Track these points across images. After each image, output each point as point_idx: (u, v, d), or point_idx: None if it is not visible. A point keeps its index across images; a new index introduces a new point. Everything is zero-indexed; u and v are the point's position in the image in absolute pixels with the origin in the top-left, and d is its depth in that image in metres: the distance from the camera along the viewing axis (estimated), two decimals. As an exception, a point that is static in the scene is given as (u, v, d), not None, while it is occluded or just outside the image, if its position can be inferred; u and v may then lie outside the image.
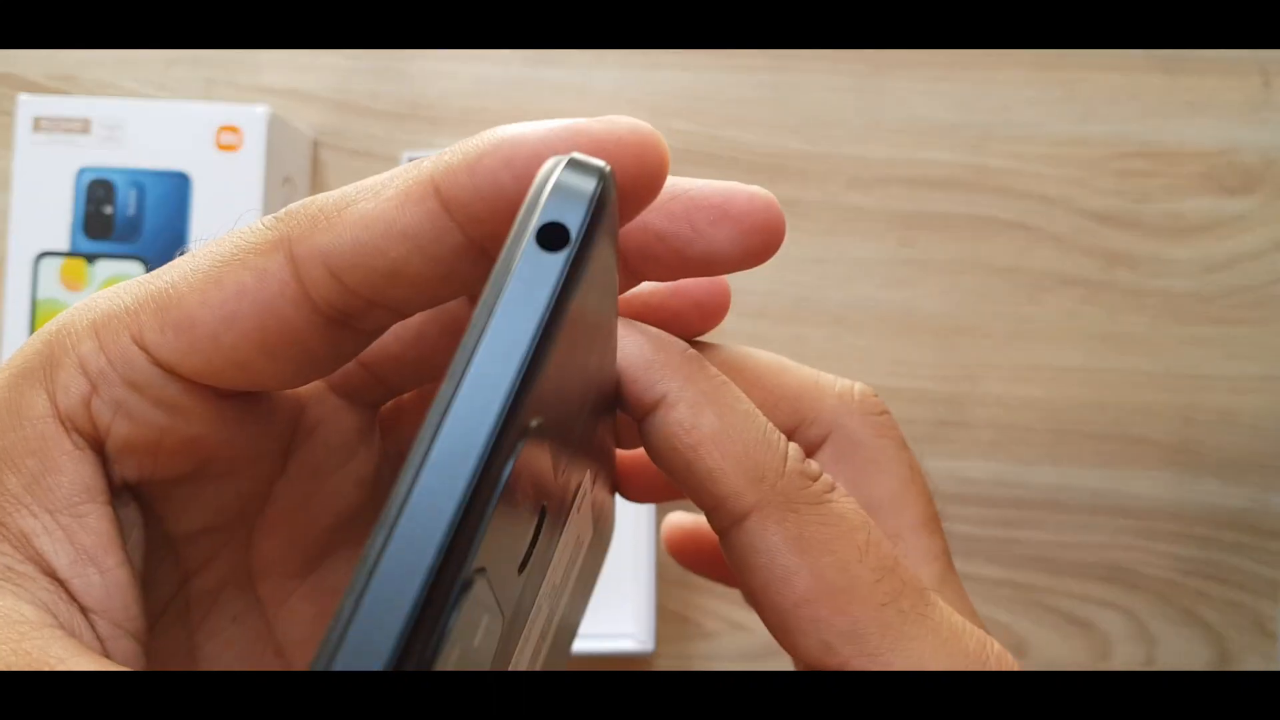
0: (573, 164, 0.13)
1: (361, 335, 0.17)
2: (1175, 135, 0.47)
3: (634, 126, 0.15)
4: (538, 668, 0.18)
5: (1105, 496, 0.46)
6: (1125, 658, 0.46)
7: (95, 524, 0.16)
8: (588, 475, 0.17)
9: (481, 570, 0.12)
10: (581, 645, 0.42)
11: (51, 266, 0.44)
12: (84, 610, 0.16)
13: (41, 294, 0.44)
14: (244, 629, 0.19)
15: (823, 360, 0.47)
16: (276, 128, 0.45)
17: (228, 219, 0.44)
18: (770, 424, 0.17)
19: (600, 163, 0.14)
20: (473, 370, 0.12)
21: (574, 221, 0.13)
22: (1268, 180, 0.47)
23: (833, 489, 0.17)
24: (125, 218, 0.44)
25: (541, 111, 0.48)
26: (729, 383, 0.17)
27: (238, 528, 0.19)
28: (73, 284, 0.44)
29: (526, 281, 0.13)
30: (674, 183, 0.17)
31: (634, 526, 0.44)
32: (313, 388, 0.20)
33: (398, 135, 0.49)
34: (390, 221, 0.15)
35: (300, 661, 0.19)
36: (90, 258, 0.44)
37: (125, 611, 0.16)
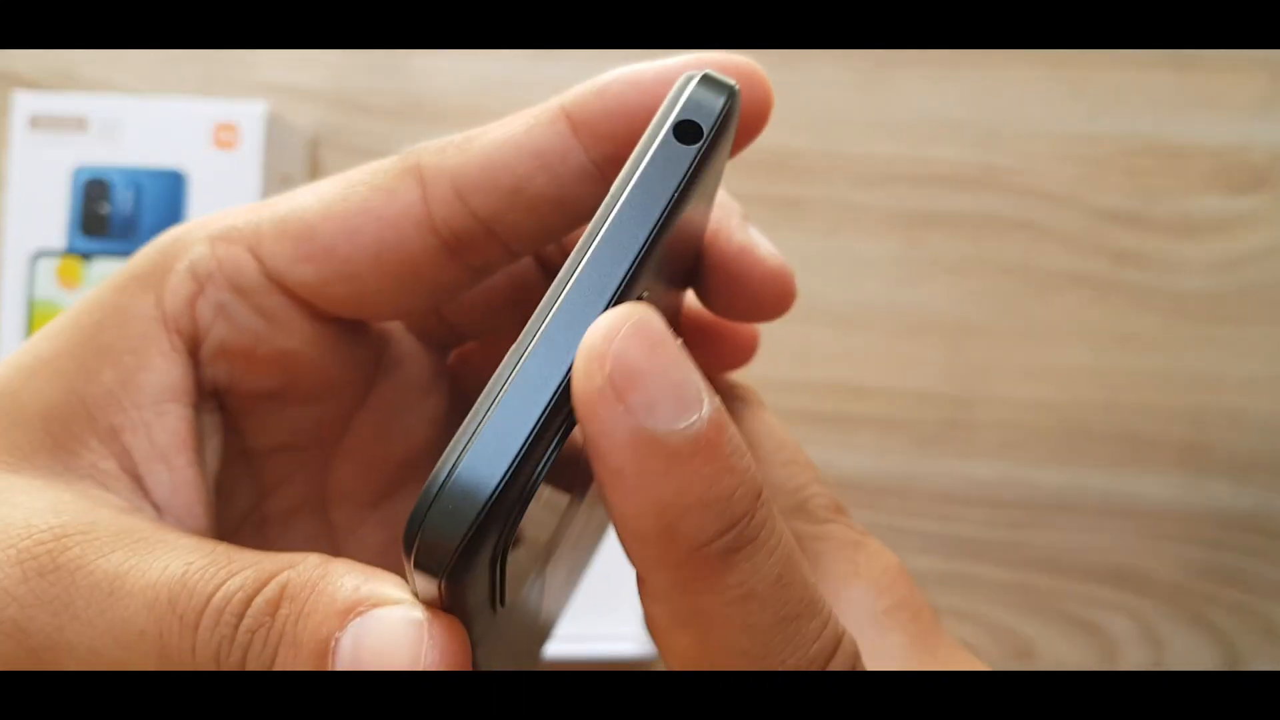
0: (706, 78, 0.15)
1: (468, 273, 0.18)
2: (1185, 133, 0.47)
3: (749, 63, 0.17)
4: (539, 618, 0.18)
5: (1114, 498, 0.46)
6: (1133, 660, 0.46)
7: (173, 424, 0.17)
8: None
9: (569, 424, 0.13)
10: (582, 649, 0.42)
11: (48, 265, 0.43)
12: (155, 506, 0.17)
13: (38, 293, 0.43)
14: (316, 550, 0.20)
15: (828, 361, 0.46)
16: (274, 125, 0.44)
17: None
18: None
19: (731, 80, 0.15)
20: (612, 225, 0.14)
21: (707, 121, 0.14)
22: (1277, 178, 0.47)
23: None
24: (122, 216, 0.43)
25: (543, 109, 0.48)
26: (744, 601, 0.13)
27: (315, 451, 0.20)
28: (69, 283, 0.43)
29: (662, 165, 0.14)
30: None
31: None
32: (395, 327, 0.21)
33: (396, 133, 0.48)
34: (520, 143, 0.17)
35: None
36: (87, 256, 0.43)
37: (189, 510, 0.17)
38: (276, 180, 0.45)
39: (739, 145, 0.17)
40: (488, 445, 0.12)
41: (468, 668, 0.13)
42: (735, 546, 0.13)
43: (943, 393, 0.46)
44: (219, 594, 0.14)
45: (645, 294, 0.14)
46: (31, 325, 0.43)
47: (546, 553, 0.16)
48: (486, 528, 0.12)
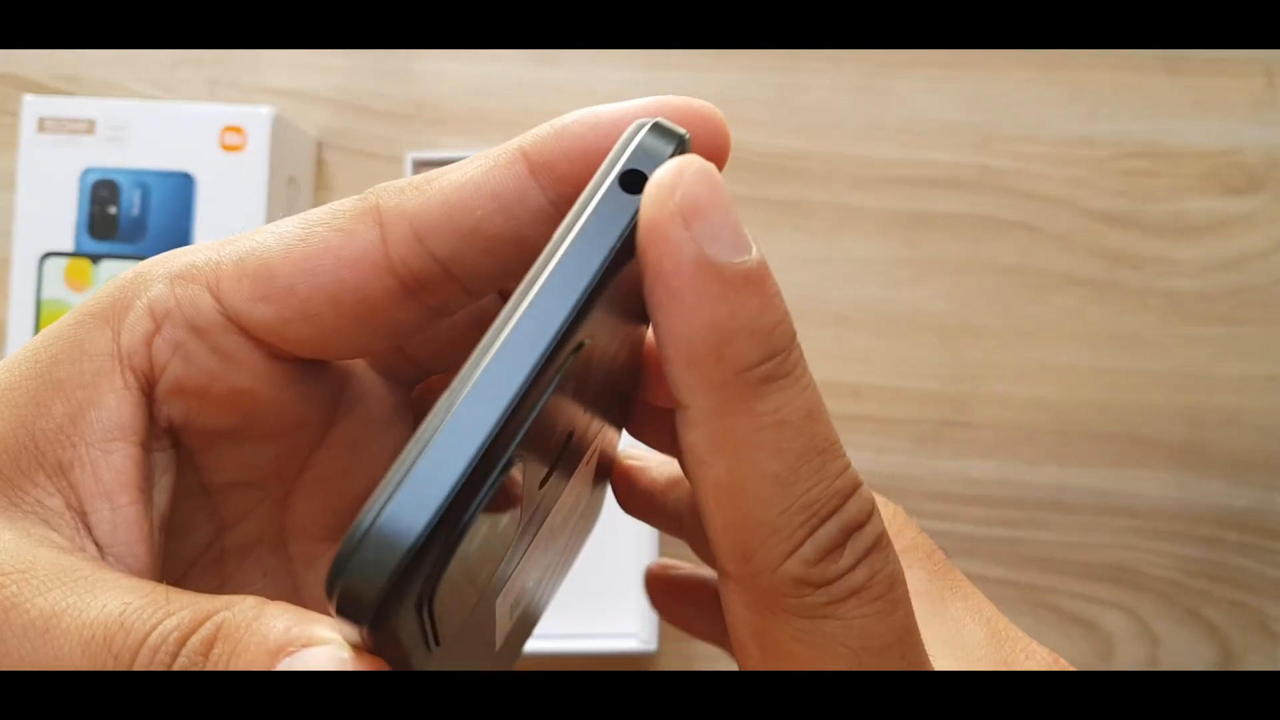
0: (656, 127, 0.15)
1: (427, 313, 0.18)
2: (1179, 135, 0.47)
3: (708, 107, 0.17)
4: (507, 626, 0.18)
5: (1109, 496, 0.46)
6: (1129, 658, 0.46)
7: (119, 462, 0.17)
8: (599, 434, 0.18)
9: (522, 456, 0.13)
10: (584, 645, 0.42)
11: (56, 267, 0.44)
12: (97, 544, 0.17)
13: (46, 294, 0.44)
14: (274, 584, 0.20)
15: (827, 360, 0.47)
16: (280, 128, 0.45)
17: (232, 220, 0.44)
18: (801, 508, 0.15)
19: (681, 129, 0.15)
20: (551, 275, 0.13)
21: (653, 170, 0.14)
22: (1272, 180, 0.47)
23: (842, 611, 0.15)
24: (130, 218, 0.44)
25: (544, 112, 0.48)
26: (777, 428, 0.15)
27: (274, 487, 0.20)
28: (77, 284, 0.44)
29: (605, 215, 0.14)
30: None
31: (636, 526, 0.44)
32: (358, 363, 0.20)
33: (401, 136, 0.49)
34: (479, 184, 0.17)
35: None
36: (95, 258, 0.44)
37: (129, 549, 0.17)
38: (283, 182, 0.45)
39: None
40: (413, 492, 0.12)
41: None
42: (774, 375, 0.15)
43: (940, 392, 0.47)
44: (154, 633, 0.14)
45: (587, 341, 0.14)
46: (39, 325, 0.44)
47: (505, 570, 0.16)
48: (410, 576, 0.12)
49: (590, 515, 0.22)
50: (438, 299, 0.17)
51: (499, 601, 0.16)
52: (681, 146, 0.15)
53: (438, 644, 0.14)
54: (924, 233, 0.47)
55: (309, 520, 0.20)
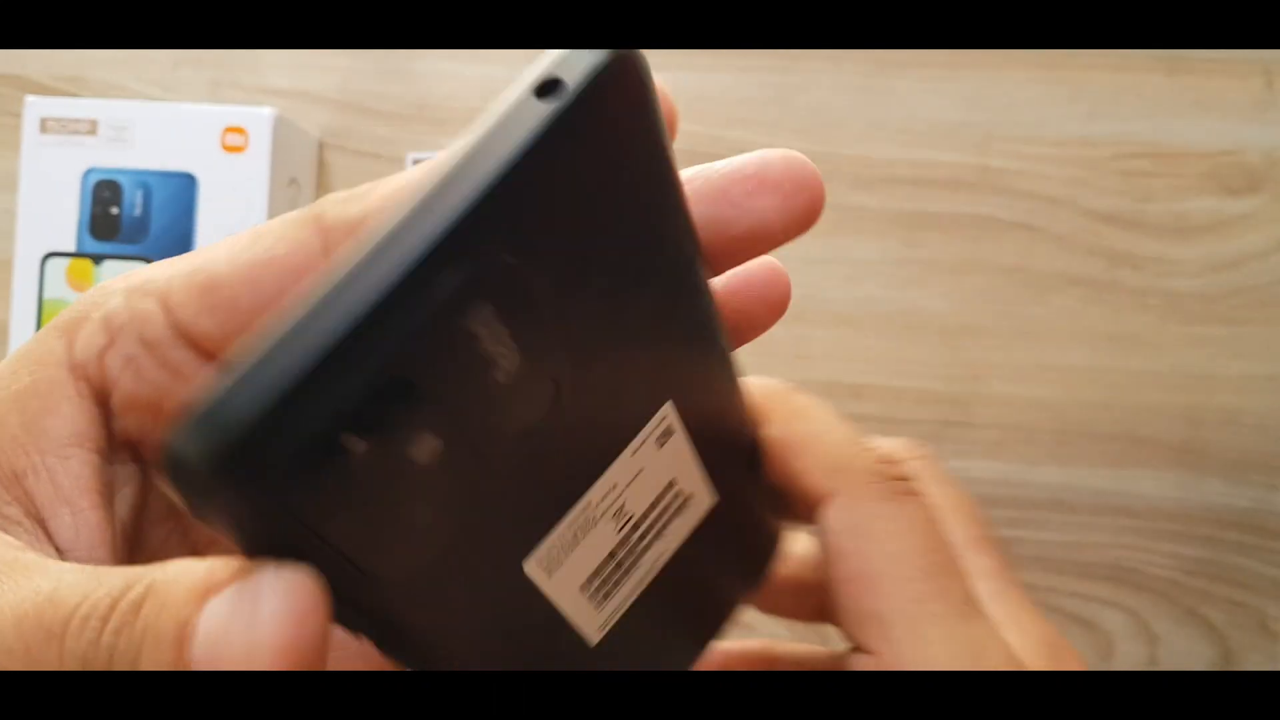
0: (585, 49, 0.13)
1: None
2: (1179, 135, 0.47)
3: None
4: (593, 612, 0.17)
5: (1109, 496, 0.46)
6: (1128, 657, 0.46)
7: (77, 468, 0.17)
8: (670, 409, 0.17)
9: (410, 383, 0.12)
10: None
11: (58, 267, 0.44)
12: (59, 550, 0.17)
13: (48, 294, 0.44)
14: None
15: (827, 360, 0.47)
16: (282, 129, 0.45)
17: (234, 220, 0.45)
18: (852, 432, 0.19)
19: (622, 52, 0.13)
20: (432, 189, 0.12)
21: (572, 78, 0.13)
22: (1272, 180, 0.47)
23: (909, 490, 0.19)
24: (132, 218, 0.44)
25: (546, 112, 0.48)
26: (816, 404, 0.19)
27: None
28: (79, 284, 0.44)
29: (511, 120, 0.12)
30: (705, 167, 0.18)
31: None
32: None
33: (403, 136, 0.49)
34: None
35: None
36: (97, 258, 0.44)
37: (91, 552, 0.17)
38: (284, 183, 0.45)
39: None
40: (256, 376, 0.11)
41: (316, 613, 0.13)
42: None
43: (940, 392, 0.47)
44: (85, 603, 0.14)
45: (510, 259, 0.12)
46: (41, 325, 0.44)
47: (511, 531, 0.15)
48: (244, 454, 0.11)
49: (731, 518, 0.21)
50: None
51: (532, 568, 0.16)
52: (618, 61, 0.13)
53: (360, 572, 0.13)
54: (924, 233, 0.47)
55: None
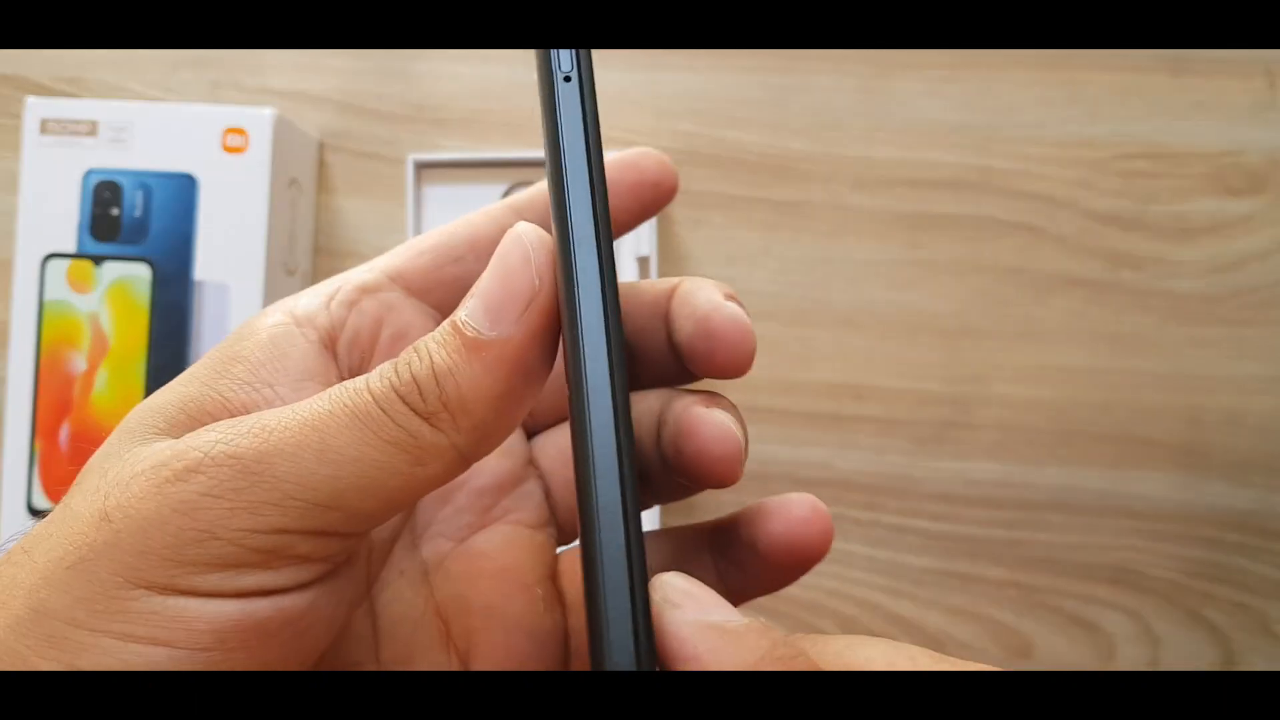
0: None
1: None
2: (1181, 136, 0.47)
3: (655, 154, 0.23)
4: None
5: (1111, 498, 0.46)
6: (1130, 659, 0.46)
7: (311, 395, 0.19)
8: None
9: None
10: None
11: (59, 268, 0.44)
12: None
13: (49, 295, 0.44)
14: (408, 583, 0.21)
15: (828, 361, 0.47)
16: (282, 130, 0.45)
17: (234, 221, 0.45)
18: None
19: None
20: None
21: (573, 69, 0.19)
22: (1273, 181, 0.47)
23: None
24: (132, 219, 0.44)
25: (546, 113, 0.48)
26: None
27: None
28: (80, 286, 0.44)
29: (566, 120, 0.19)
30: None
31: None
32: None
33: (403, 137, 0.49)
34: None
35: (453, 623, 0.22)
36: (97, 259, 0.44)
37: None
38: (284, 183, 0.45)
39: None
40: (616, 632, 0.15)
41: None
42: None
43: (941, 393, 0.47)
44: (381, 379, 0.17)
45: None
46: (42, 326, 0.44)
47: None
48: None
49: None
50: None
51: None
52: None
53: None
54: (925, 234, 0.47)
55: (434, 520, 0.22)
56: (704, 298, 0.20)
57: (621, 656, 0.14)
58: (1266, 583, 0.46)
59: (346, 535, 0.17)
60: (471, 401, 0.17)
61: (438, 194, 0.47)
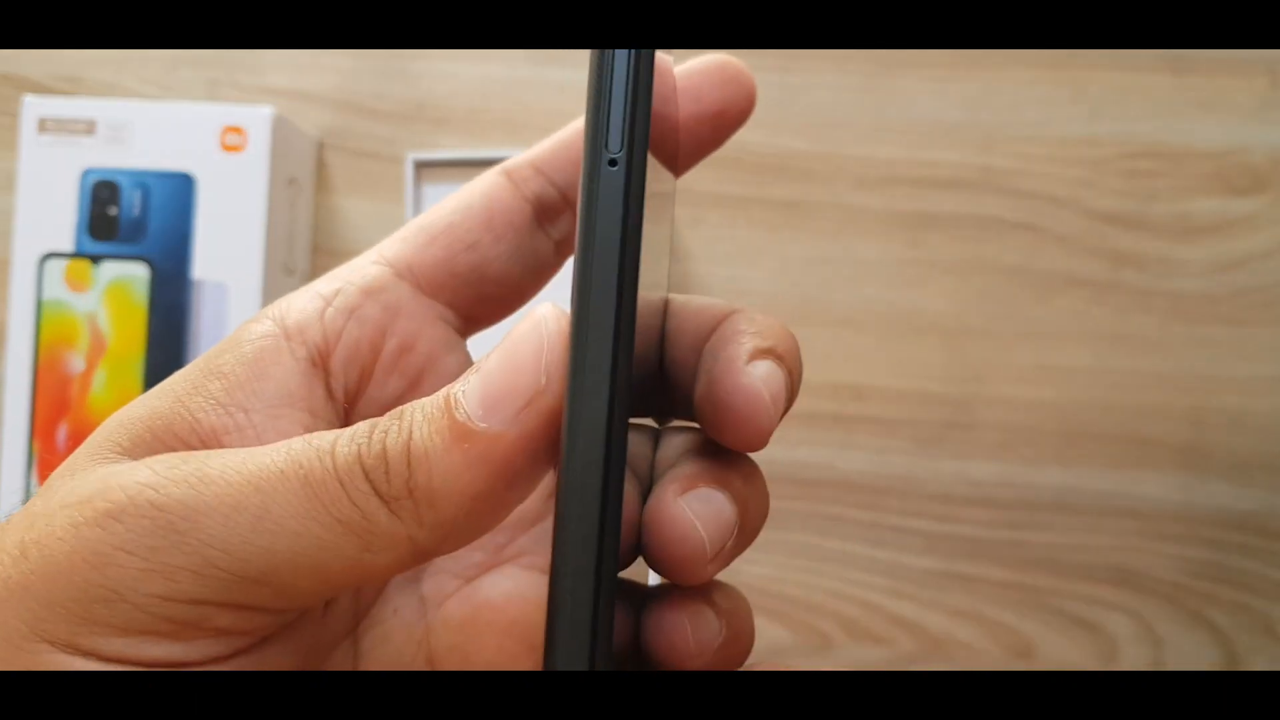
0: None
1: (552, 244, 0.21)
2: (1183, 135, 0.47)
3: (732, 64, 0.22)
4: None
5: (1113, 498, 0.46)
6: (1132, 660, 0.46)
7: (286, 426, 0.17)
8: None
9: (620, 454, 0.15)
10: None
11: (56, 267, 0.44)
12: None
13: (46, 295, 0.44)
14: (401, 624, 0.20)
15: (829, 361, 0.47)
16: (281, 129, 0.45)
17: (233, 220, 0.44)
18: None
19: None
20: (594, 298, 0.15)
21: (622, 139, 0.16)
22: (1276, 181, 0.47)
23: None
24: (130, 219, 0.44)
25: (545, 113, 0.48)
26: None
27: None
28: (78, 285, 0.44)
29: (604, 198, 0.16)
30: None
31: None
32: None
33: (402, 136, 0.49)
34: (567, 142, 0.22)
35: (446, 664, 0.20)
36: (95, 259, 0.44)
37: None
38: (283, 183, 0.45)
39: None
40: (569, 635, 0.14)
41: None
42: None
43: (942, 393, 0.47)
44: (347, 431, 0.16)
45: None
46: (40, 326, 0.44)
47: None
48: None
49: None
50: (556, 226, 0.21)
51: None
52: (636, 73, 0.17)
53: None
54: (927, 233, 0.47)
55: (439, 559, 0.20)
56: (729, 352, 0.18)
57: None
58: (1269, 583, 0.46)
59: (276, 611, 0.16)
60: (441, 496, 0.15)
61: (437, 193, 0.47)
